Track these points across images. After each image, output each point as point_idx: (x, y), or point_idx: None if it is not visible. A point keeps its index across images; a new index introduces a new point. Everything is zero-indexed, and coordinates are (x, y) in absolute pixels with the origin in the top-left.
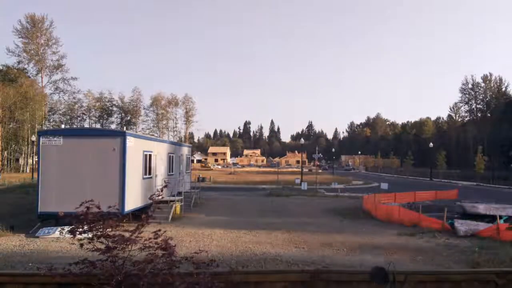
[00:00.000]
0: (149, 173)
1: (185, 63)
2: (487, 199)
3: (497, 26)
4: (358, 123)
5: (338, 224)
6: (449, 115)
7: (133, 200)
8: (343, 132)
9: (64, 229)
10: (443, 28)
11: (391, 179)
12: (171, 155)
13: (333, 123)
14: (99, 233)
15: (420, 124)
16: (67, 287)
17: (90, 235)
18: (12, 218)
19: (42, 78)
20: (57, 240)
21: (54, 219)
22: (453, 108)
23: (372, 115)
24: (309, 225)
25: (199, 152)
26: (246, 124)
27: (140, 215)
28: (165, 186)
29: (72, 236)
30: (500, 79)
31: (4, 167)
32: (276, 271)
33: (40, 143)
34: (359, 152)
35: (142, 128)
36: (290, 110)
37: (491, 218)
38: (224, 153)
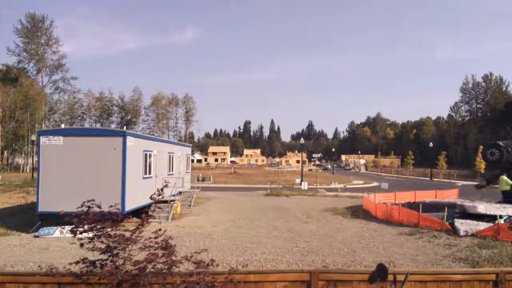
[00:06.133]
0: (149, 173)
1: (185, 63)
2: (487, 199)
3: (497, 25)
4: (358, 123)
5: (338, 223)
6: (450, 115)
7: (133, 200)
8: (343, 132)
9: (64, 229)
10: (444, 28)
11: (391, 179)
12: (171, 154)
13: (333, 123)
14: (99, 233)
15: (420, 124)
16: (68, 286)
17: (90, 235)
18: (12, 217)
19: (42, 77)
20: (57, 240)
21: (54, 219)
22: (454, 107)
23: (372, 115)
24: (309, 224)
25: (199, 152)
26: (246, 124)
27: (140, 215)
28: (165, 186)
29: (72, 235)
30: (501, 79)
31: (4, 166)
32: (276, 270)
33: (40, 143)
34: (359, 152)
35: (142, 128)
36: (290, 109)
37: (491, 218)
38: (224, 153)
